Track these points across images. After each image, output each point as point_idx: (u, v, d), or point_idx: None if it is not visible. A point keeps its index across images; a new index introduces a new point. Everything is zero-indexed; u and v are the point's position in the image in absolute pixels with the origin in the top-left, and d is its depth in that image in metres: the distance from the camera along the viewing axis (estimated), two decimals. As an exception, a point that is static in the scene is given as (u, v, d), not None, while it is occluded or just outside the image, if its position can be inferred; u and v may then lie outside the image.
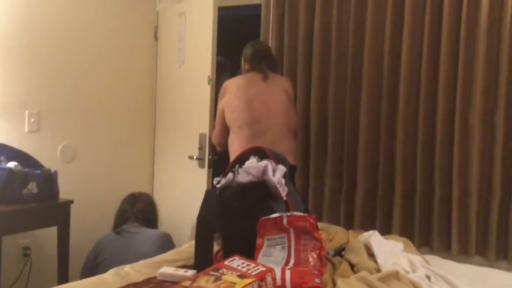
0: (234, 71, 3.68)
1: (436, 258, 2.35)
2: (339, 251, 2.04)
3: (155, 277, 1.82)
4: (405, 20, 2.94)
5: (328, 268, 1.76)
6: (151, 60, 3.80)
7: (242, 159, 1.93)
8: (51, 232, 2.81)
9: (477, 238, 2.82)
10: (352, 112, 3.11)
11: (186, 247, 2.26)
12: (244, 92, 2.82)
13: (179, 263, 1.99)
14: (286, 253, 1.63)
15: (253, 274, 1.38)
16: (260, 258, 1.63)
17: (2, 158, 2.69)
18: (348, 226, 3.01)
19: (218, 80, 3.21)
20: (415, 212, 2.96)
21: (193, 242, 1.99)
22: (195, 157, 3.22)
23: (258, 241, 1.67)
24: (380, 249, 2.01)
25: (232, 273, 1.39)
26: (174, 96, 3.60)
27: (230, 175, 1.89)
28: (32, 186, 2.63)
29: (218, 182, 1.91)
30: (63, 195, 2.81)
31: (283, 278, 1.50)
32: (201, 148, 3.20)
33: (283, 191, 1.82)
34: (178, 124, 3.54)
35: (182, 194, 3.45)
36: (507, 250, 2.77)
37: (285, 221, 1.66)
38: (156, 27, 3.80)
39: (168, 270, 1.83)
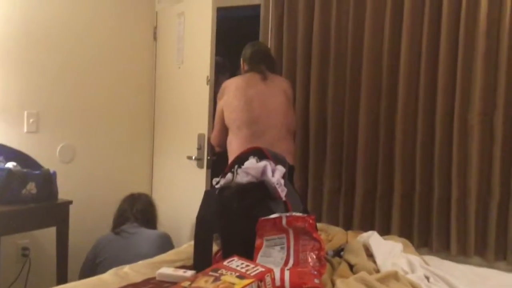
0: (233, 72, 3.68)
1: (435, 258, 2.35)
2: (338, 252, 2.04)
3: (154, 278, 1.82)
4: (404, 21, 2.94)
5: (327, 268, 1.76)
6: (150, 60, 3.80)
7: (241, 159, 1.93)
8: (50, 233, 2.81)
9: (476, 239, 2.82)
10: (351, 113, 3.11)
11: (185, 247, 2.26)
12: (243, 93, 2.82)
13: (178, 264, 1.99)
14: (285, 253, 1.63)
15: (252, 274, 1.38)
16: (259, 258, 1.63)
17: (1, 158, 2.69)
18: (347, 226, 3.01)
19: (217, 80, 3.21)
20: (414, 212, 2.96)
21: (192, 242, 1.99)
22: (194, 158, 3.22)
23: (257, 241, 1.67)
24: (379, 249, 2.02)
25: (231, 274, 1.39)
26: (173, 96, 3.60)
27: (229, 175, 1.89)
28: (31, 187, 2.63)
29: (217, 183, 1.91)
30: (62, 195, 2.81)
31: (282, 279, 1.50)
32: (200, 148, 3.20)
33: (282, 192, 1.82)
34: (177, 124, 3.54)
35: (181, 194, 3.45)
36: (506, 250, 2.77)
37: (284, 221, 1.66)
38: (155, 28, 3.79)
39: (167, 271, 1.83)
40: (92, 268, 2.70)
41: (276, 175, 1.83)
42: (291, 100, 2.99)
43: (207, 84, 3.13)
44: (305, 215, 1.69)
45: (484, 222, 2.81)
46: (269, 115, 2.82)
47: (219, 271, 1.41)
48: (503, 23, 2.72)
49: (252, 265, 1.44)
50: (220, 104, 2.93)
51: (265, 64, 2.94)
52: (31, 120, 3.07)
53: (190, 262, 1.95)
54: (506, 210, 2.76)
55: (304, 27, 3.25)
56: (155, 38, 3.80)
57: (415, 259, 2.04)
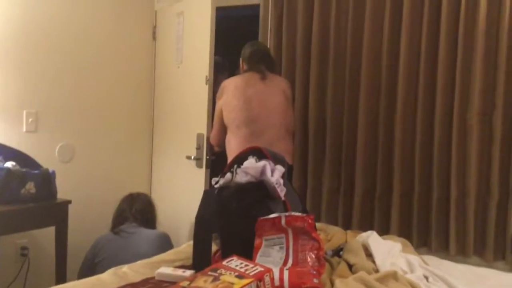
0: (232, 71, 3.68)
1: (434, 258, 2.35)
2: (337, 251, 2.04)
3: (153, 277, 1.82)
4: (403, 21, 2.94)
5: (326, 268, 1.76)
6: (149, 60, 3.80)
7: (240, 159, 1.93)
8: (49, 232, 2.80)
9: (475, 238, 2.82)
10: (350, 113, 3.11)
11: (184, 247, 2.26)
12: (242, 92, 2.82)
13: (177, 263, 1.99)
14: (284, 253, 1.63)
15: (251, 274, 1.38)
16: (258, 258, 1.63)
17: (0, 158, 2.69)
18: (346, 226, 3.01)
19: (216, 80, 3.21)
20: (413, 212, 2.97)
21: (191, 242, 1.99)
22: (193, 157, 3.22)
23: (256, 241, 1.67)
24: (378, 249, 2.02)
25: (230, 273, 1.39)
26: (172, 96, 3.60)
27: (228, 175, 1.88)
28: (30, 186, 2.62)
29: (217, 182, 1.91)
30: (61, 195, 2.81)
31: (281, 278, 1.50)
32: (199, 148, 3.20)
33: (282, 192, 1.82)
34: (176, 124, 3.54)
35: (180, 194, 3.44)
36: (505, 250, 2.77)
37: (283, 221, 1.66)
38: (154, 27, 3.79)
39: (166, 270, 1.83)
40: (91, 267, 2.70)
41: (275, 175, 1.83)
42: (290, 100, 2.99)
43: (206, 83, 3.13)
44: (304, 214, 1.69)
45: (483, 222, 2.82)
46: (268, 115, 2.82)
47: (218, 271, 1.41)
48: (502, 23, 2.72)
49: (251, 265, 1.44)
50: (219, 104, 2.93)
51: (264, 63, 2.94)
52: (30, 120, 3.07)
53: (189, 261, 1.95)
54: (505, 210, 2.77)
55: (304, 27, 3.25)
56: (154, 38, 3.80)
57: (414, 259, 2.04)
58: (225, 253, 1.70)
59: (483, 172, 2.80)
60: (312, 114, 3.22)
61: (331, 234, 2.43)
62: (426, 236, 2.95)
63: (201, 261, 1.81)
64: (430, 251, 2.84)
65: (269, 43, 3.38)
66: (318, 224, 2.15)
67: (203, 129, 3.16)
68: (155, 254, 2.25)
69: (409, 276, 1.83)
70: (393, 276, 1.74)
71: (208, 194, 1.96)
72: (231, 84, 2.89)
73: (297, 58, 3.28)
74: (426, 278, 1.88)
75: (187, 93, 3.39)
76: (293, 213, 1.70)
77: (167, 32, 3.65)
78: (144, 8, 3.74)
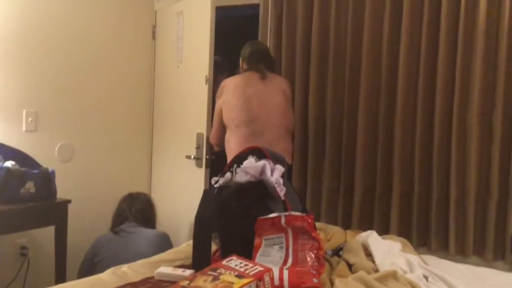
0: (232, 71, 3.68)
1: (434, 258, 2.35)
2: (337, 251, 2.04)
3: (152, 277, 1.82)
4: (403, 21, 2.94)
5: (326, 268, 1.77)
6: (149, 59, 3.80)
7: (240, 158, 1.93)
8: (49, 232, 2.80)
9: (475, 238, 2.82)
10: (350, 113, 3.11)
11: (184, 247, 2.26)
12: (242, 91, 2.82)
13: (177, 263, 1.99)
14: (284, 253, 1.63)
15: (251, 274, 1.38)
16: (258, 258, 1.63)
17: (0, 157, 2.69)
18: (346, 226, 3.01)
19: (216, 79, 3.21)
20: (413, 212, 2.97)
21: (191, 242, 1.99)
22: (192, 157, 3.22)
23: (256, 240, 1.67)
24: (378, 249, 2.02)
25: (230, 273, 1.39)
26: (172, 95, 3.60)
27: (228, 174, 1.89)
28: (30, 186, 2.62)
29: (216, 182, 1.91)
30: (61, 194, 2.81)
31: (281, 278, 1.50)
32: (198, 147, 3.20)
33: (281, 191, 1.82)
34: (176, 123, 3.54)
35: (180, 193, 3.44)
36: (504, 250, 2.77)
37: (283, 221, 1.66)
38: (154, 26, 3.79)
39: (165, 270, 1.83)
40: (90, 267, 2.70)
41: (275, 175, 1.83)
42: (290, 100, 2.99)
43: (206, 83, 3.13)
44: (304, 214, 1.69)
45: (483, 222, 2.82)
46: (267, 115, 2.82)
47: (218, 271, 1.41)
48: (502, 23, 2.72)
49: (251, 265, 1.44)
50: (218, 103, 2.93)
51: (264, 63, 2.94)
52: (29, 119, 3.07)
53: (189, 261, 1.95)
54: (504, 210, 2.77)
55: (303, 27, 3.25)
56: (154, 37, 3.80)
57: (414, 258, 2.05)
58: (225, 253, 1.70)
59: (482, 172, 2.80)
60: (312, 114, 3.22)
61: (330, 234, 2.43)
62: (425, 236, 2.95)
63: (200, 260, 1.81)
64: (430, 251, 2.84)
65: (269, 43, 3.38)
66: (317, 224, 2.16)
67: (202, 129, 3.17)
68: (154, 253, 2.25)
69: (408, 275, 1.83)
70: (393, 275, 1.74)
71: (208, 194, 1.96)
72: (230, 84, 2.89)
73: (297, 58, 3.28)
74: (426, 277, 1.88)
75: (187, 93, 3.39)
76: (292, 213, 1.70)
77: (167, 31, 3.65)
78: (144, 8, 3.74)
